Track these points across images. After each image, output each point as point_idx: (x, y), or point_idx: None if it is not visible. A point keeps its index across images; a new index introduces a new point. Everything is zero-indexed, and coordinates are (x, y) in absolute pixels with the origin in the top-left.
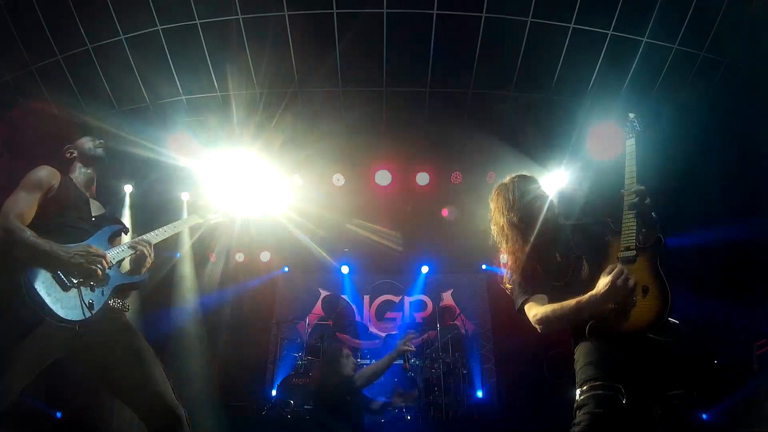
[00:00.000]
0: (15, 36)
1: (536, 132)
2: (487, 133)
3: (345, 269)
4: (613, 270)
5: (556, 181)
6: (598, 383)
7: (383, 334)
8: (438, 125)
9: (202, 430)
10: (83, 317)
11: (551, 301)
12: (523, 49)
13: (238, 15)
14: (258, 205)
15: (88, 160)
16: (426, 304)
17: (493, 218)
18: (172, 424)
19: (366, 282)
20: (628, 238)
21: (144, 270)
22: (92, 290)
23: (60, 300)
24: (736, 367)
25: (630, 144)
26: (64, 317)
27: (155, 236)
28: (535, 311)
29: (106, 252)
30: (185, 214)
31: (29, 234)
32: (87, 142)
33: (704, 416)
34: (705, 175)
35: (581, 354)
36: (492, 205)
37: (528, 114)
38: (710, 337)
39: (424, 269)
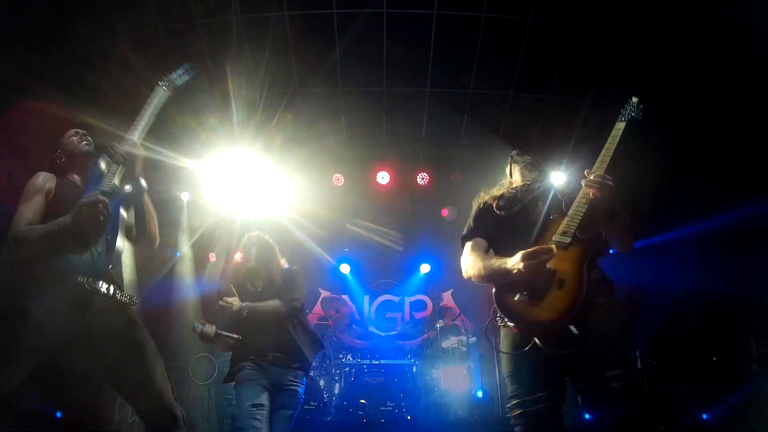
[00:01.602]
0: (15, 36)
1: (536, 132)
2: (487, 133)
3: (345, 268)
4: (535, 247)
5: (555, 182)
6: (520, 400)
7: (383, 334)
8: (438, 125)
9: (202, 429)
10: (110, 259)
11: (490, 239)
12: (523, 49)
13: (238, 15)
14: (258, 205)
15: (77, 160)
16: (426, 304)
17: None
18: (169, 423)
19: (366, 282)
20: (570, 222)
21: (138, 172)
22: (106, 232)
23: (83, 260)
24: (736, 367)
25: (618, 127)
26: (102, 261)
27: (136, 133)
28: (466, 256)
29: (101, 191)
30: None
31: (38, 227)
32: (70, 142)
33: (704, 416)
34: (703, 170)
35: (504, 361)
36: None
37: (528, 114)
38: (710, 334)
39: (425, 268)
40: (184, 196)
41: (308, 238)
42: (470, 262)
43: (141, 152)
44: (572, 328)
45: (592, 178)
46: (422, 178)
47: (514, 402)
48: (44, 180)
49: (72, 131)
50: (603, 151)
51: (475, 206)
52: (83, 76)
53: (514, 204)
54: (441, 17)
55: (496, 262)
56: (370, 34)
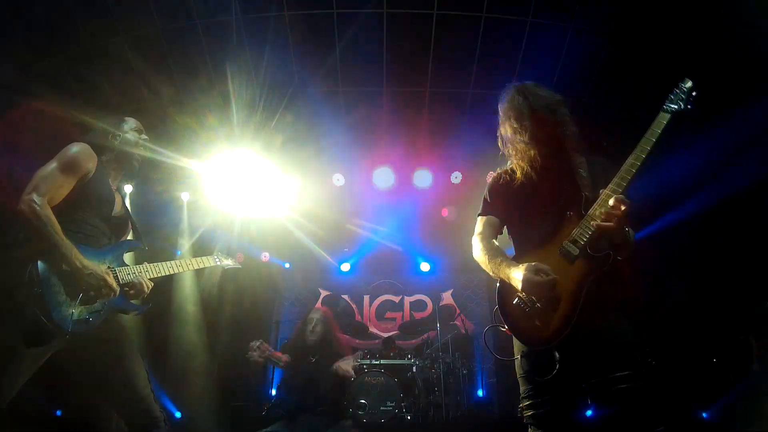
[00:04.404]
0: (15, 36)
1: None
2: (487, 133)
3: (345, 267)
4: (541, 268)
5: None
6: (530, 402)
7: (383, 334)
8: (438, 125)
9: (202, 430)
10: (76, 329)
11: (508, 222)
12: (522, 49)
13: (237, 15)
14: (258, 204)
15: (127, 162)
16: (426, 304)
17: (501, 124)
18: (149, 425)
19: (366, 282)
20: (582, 233)
21: (141, 299)
22: (92, 304)
23: (61, 304)
24: (736, 367)
25: (663, 118)
26: (59, 324)
27: (161, 270)
28: (475, 240)
29: (118, 271)
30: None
31: (57, 229)
32: (134, 140)
33: (704, 416)
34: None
35: (516, 362)
36: (506, 106)
37: None
38: (710, 334)
39: (425, 268)
40: (184, 196)
41: (308, 238)
42: (479, 250)
43: (149, 288)
44: (556, 353)
45: (613, 204)
46: (422, 178)
47: (527, 403)
48: (88, 161)
49: (138, 126)
50: (637, 150)
51: (491, 180)
52: (83, 76)
53: (548, 207)
54: (441, 17)
55: (504, 266)
56: (370, 34)
